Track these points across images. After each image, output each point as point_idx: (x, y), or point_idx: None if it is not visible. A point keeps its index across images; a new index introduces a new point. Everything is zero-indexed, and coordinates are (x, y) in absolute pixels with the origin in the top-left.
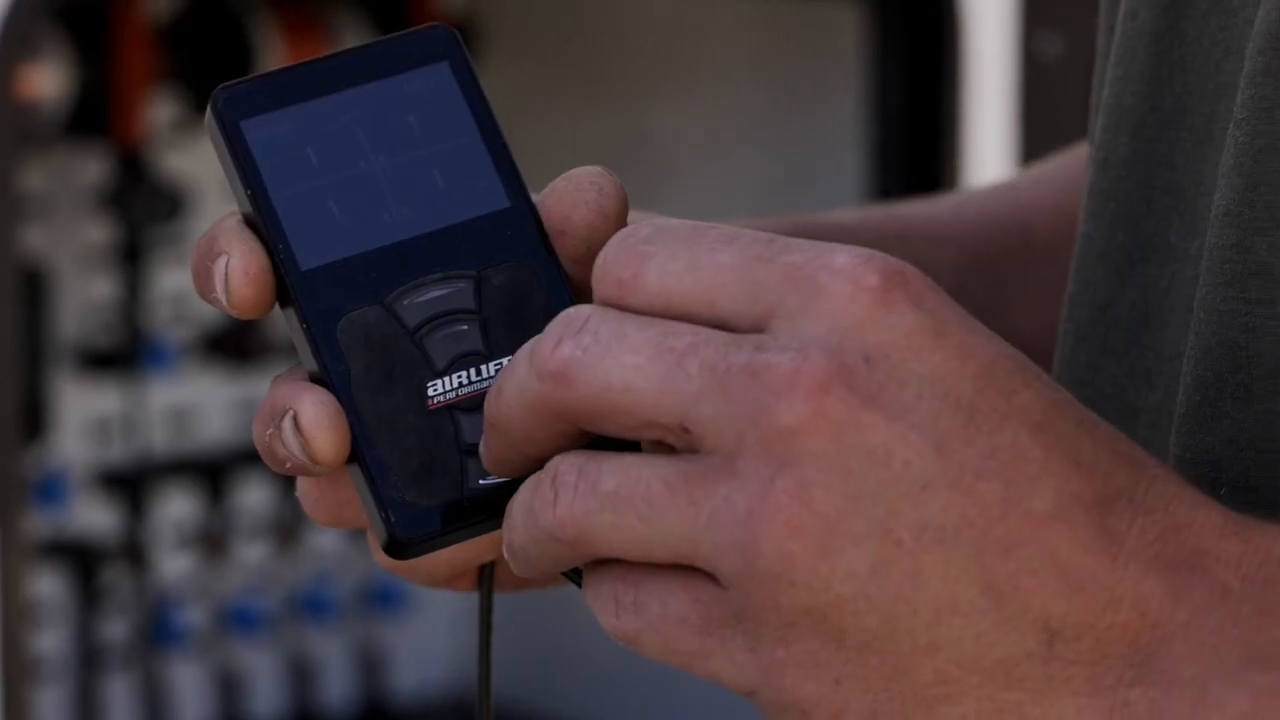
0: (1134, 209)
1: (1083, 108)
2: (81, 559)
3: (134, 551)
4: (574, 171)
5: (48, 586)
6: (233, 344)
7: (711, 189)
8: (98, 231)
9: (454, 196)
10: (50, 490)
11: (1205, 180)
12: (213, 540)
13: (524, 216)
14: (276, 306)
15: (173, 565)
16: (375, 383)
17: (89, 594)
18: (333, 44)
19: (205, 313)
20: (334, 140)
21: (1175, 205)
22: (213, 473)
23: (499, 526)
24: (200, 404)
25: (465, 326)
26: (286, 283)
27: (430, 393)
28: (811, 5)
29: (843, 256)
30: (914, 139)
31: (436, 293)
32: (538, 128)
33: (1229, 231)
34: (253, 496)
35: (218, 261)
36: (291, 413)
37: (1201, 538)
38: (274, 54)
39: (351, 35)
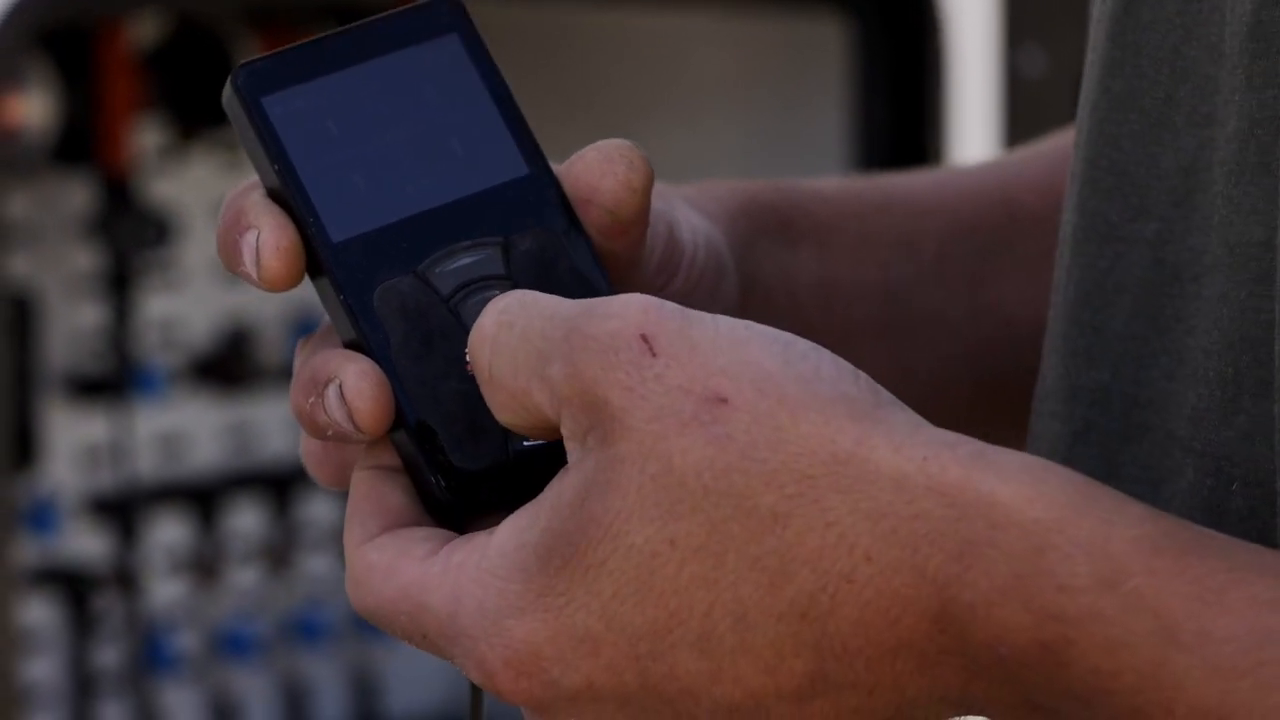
0: (1081, 189)
1: (1066, 122)
2: (73, 586)
3: (125, 578)
4: (604, 142)
5: (39, 614)
6: (222, 369)
7: None
8: (85, 258)
9: (474, 165)
10: (41, 517)
11: (1160, 165)
12: (204, 565)
13: (544, 183)
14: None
15: (164, 591)
16: (415, 350)
17: (81, 621)
18: None
19: (194, 339)
20: (354, 113)
21: (1119, 186)
22: (203, 498)
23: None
24: (190, 429)
25: (498, 291)
26: (319, 255)
27: (469, 359)
28: (795, 24)
29: (484, 648)
30: (898, 156)
31: (467, 259)
32: None
33: (1256, 229)
34: (243, 521)
35: (246, 235)
36: (336, 381)
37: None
38: None
39: None
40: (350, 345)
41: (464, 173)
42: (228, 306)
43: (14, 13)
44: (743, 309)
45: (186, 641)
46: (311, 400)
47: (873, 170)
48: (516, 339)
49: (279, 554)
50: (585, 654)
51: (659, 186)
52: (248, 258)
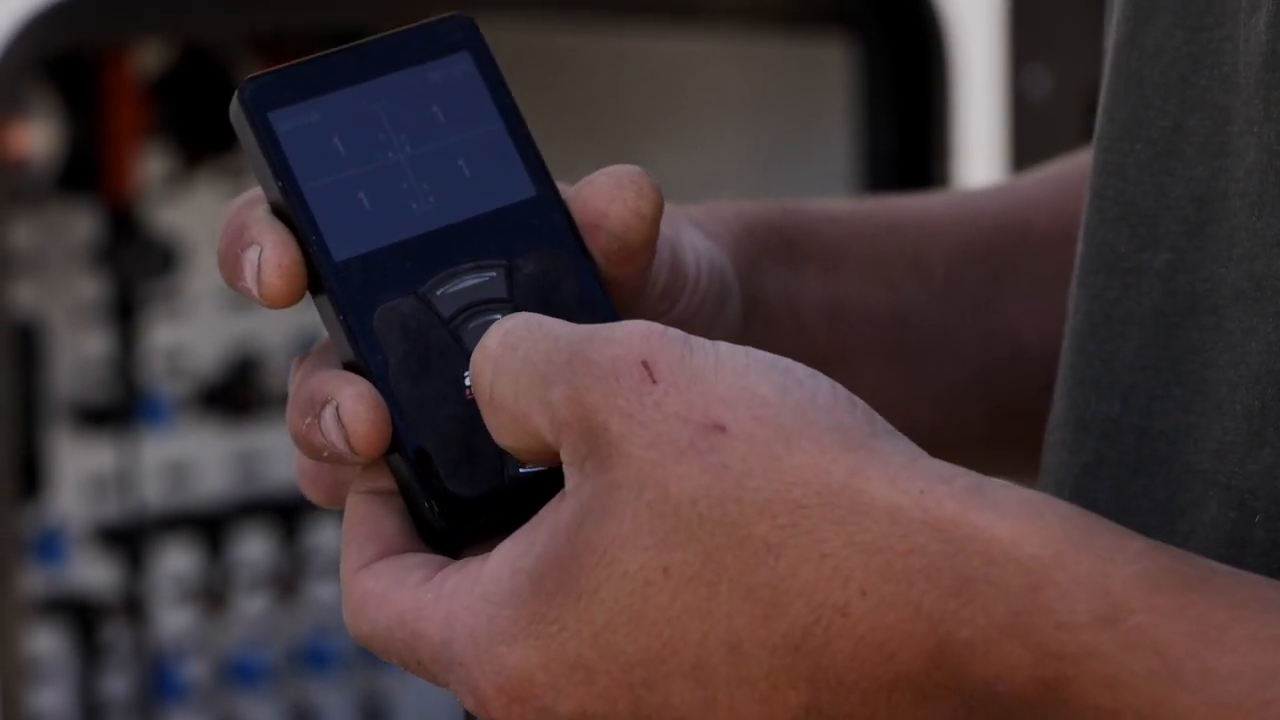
0: (1089, 219)
1: (1072, 143)
2: (81, 615)
3: (133, 606)
4: (614, 168)
5: (47, 643)
6: (228, 397)
7: None
8: (90, 287)
9: (481, 186)
10: (48, 547)
11: (1170, 194)
12: (212, 594)
13: (551, 206)
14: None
15: (173, 620)
16: (413, 372)
17: (89, 650)
18: None
19: (200, 367)
20: (361, 130)
21: (1126, 216)
22: (211, 526)
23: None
24: (197, 458)
25: (499, 315)
26: (320, 274)
27: (467, 382)
28: (800, 44)
29: (477, 675)
30: (904, 176)
31: (469, 282)
32: None
33: None
34: (252, 549)
35: (248, 251)
36: (333, 403)
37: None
38: None
39: None
40: (349, 366)
41: (470, 193)
42: (234, 334)
43: (18, 40)
44: (746, 331)
45: (195, 670)
46: (308, 421)
47: (879, 191)
48: (520, 361)
49: (287, 582)
50: (579, 681)
51: (664, 210)
52: (249, 273)
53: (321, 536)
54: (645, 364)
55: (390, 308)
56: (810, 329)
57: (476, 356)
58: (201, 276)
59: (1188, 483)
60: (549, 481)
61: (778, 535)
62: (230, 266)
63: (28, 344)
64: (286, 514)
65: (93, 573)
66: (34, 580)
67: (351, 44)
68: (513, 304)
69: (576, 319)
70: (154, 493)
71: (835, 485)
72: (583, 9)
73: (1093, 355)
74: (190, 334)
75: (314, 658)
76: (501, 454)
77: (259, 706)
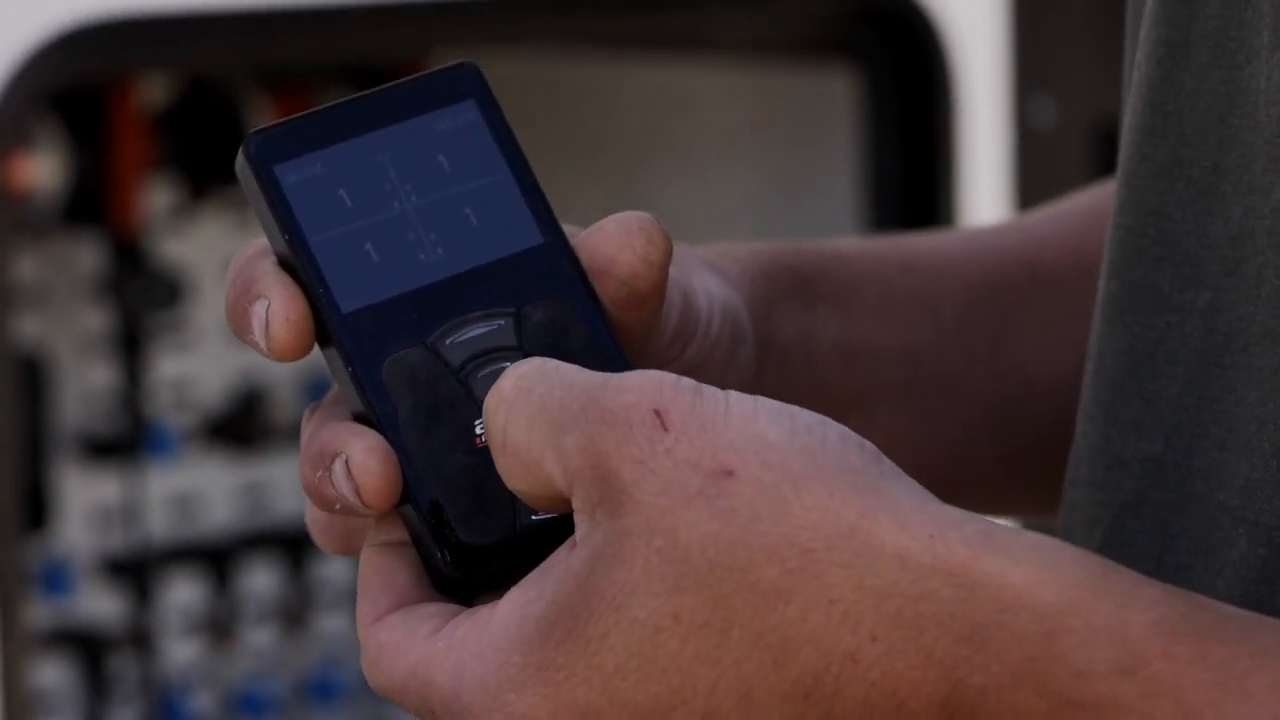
0: (1125, 258)
1: (1077, 172)
2: (88, 647)
3: (140, 638)
4: (623, 215)
5: (54, 675)
6: (234, 429)
7: None
8: (96, 319)
9: (488, 234)
10: (54, 579)
11: (1210, 234)
12: (219, 626)
13: (559, 253)
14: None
15: (180, 652)
16: (423, 423)
17: (96, 682)
18: None
19: (206, 398)
20: (367, 181)
21: (1169, 255)
22: (217, 558)
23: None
24: (203, 490)
25: (509, 364)
26: (329, 326)
27: (478, 430)
28: (805, 75)
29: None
30: (910, 206)
31: (477, 331)
32: None
33: None
34: (258, 581)
35: (256, 305)
36: (343, 456)
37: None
38: None
39: None
40: (358, 416)
41: (477, 242)
42: (240, 366)
43: (23, 73)
44: (759, 374)
45: (202, 702)
46: (319, 474)
47: (884, 221)
48: (534, 407)
49: (294, 614)
50: None
51: (676, 252)
52: (257, 328)
53: (328, 568)
54: (657, 412)
55: (399, 358)
56: (824, 370)
57: (490, 400)
58: (207, 308)
59: (1219, 520)
60: (560, 529)
61: (786, 580)
62: (238, 320)
63: (33, 376)
64: (293, 545)
65: (99, 604)
66: (40, 612)
67: (357, 95)
68: (522, 351)
69: (587, 366)
70: (160, 524)
71: (844, 529)
72: (588, 41)
73: (1132, 394)
74: (196, 366)
75: (321, 689)
76: (513, 502)
77: None
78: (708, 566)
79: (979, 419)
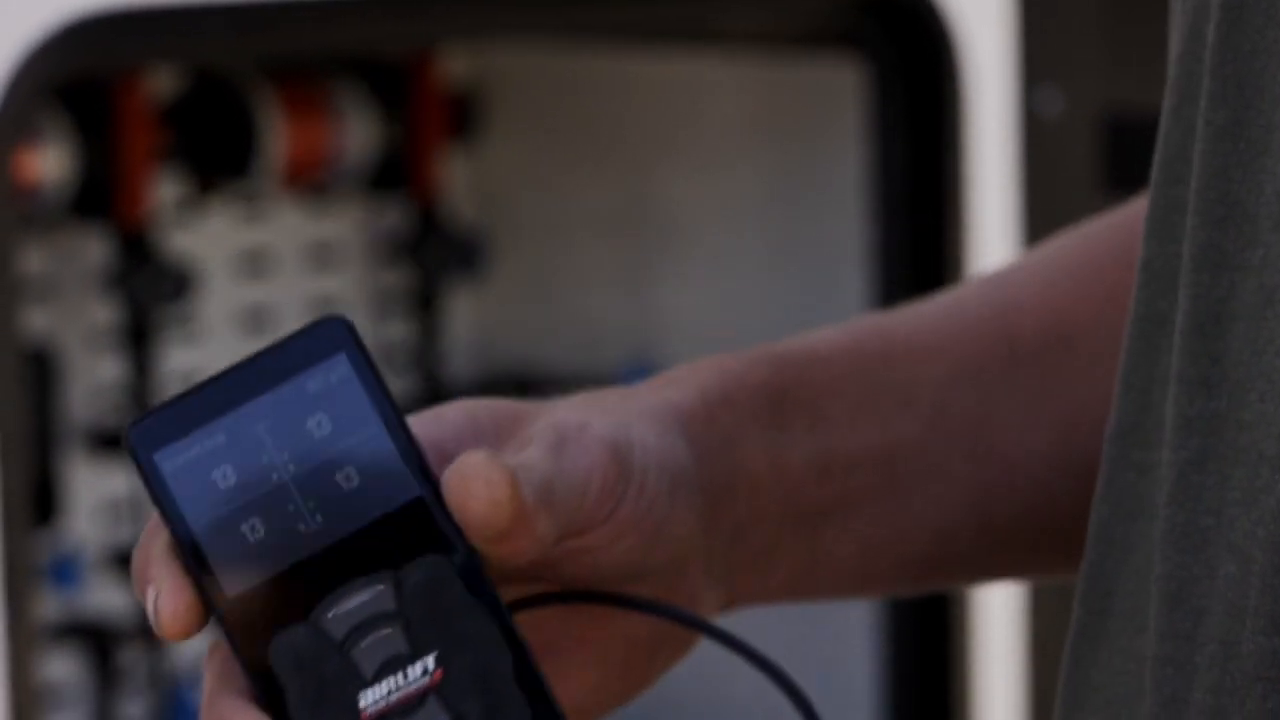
0: (1193, 220)
1: (1084, 162)
2: (97, 640)
3: (149, 632)
4: (463, 462)
5: (62, 668)
6: None
7: (716, 254)
8: (104, 312)
9: (366, 494)
10: (63, 572)
11: (1265, 191)
12: None
13: (431, 503)
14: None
15: (189, 645)
16: (311, 701)
17: (105, 675)
18: (334, 119)
19: None
20: (244, 456)
21: (1231, 215)
22: None
23: None
24: None
25: (388, 630)
26: (215, 611)
27: (362, 704)
28: (811, 68)
29: None
30: (916, 197)
31: (357, 600)
32: (541, 198)
33: None
34: None
35: (148, 591)
36: None
37: None
38: (276, 130)
39: (353, 110)
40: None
41: (354, 505)
42: None
43: (28, 65)
44: (726, 505)
45: None
46: None
47: (892, 214)
48: None
49: None
50: None
51: (615, 400)
52: (150, 614)
53: None
54: None
55: (283, 639)
56: (798, 487)
57: None
58: (215, 301)
59: (1259, 470)
60: None
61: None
62: (139, 594)
63: (42, 370)
64: None
65: (108, 598)
66: (49, 605)
67: (229, 366)
68: (401, 617)
69: (464, 622)
70: None
71: None
72: (596, 34)
73: (1199, 354)
74: (204, 358)
75: None
76: None
77: None
78: None
79: (960, 503)
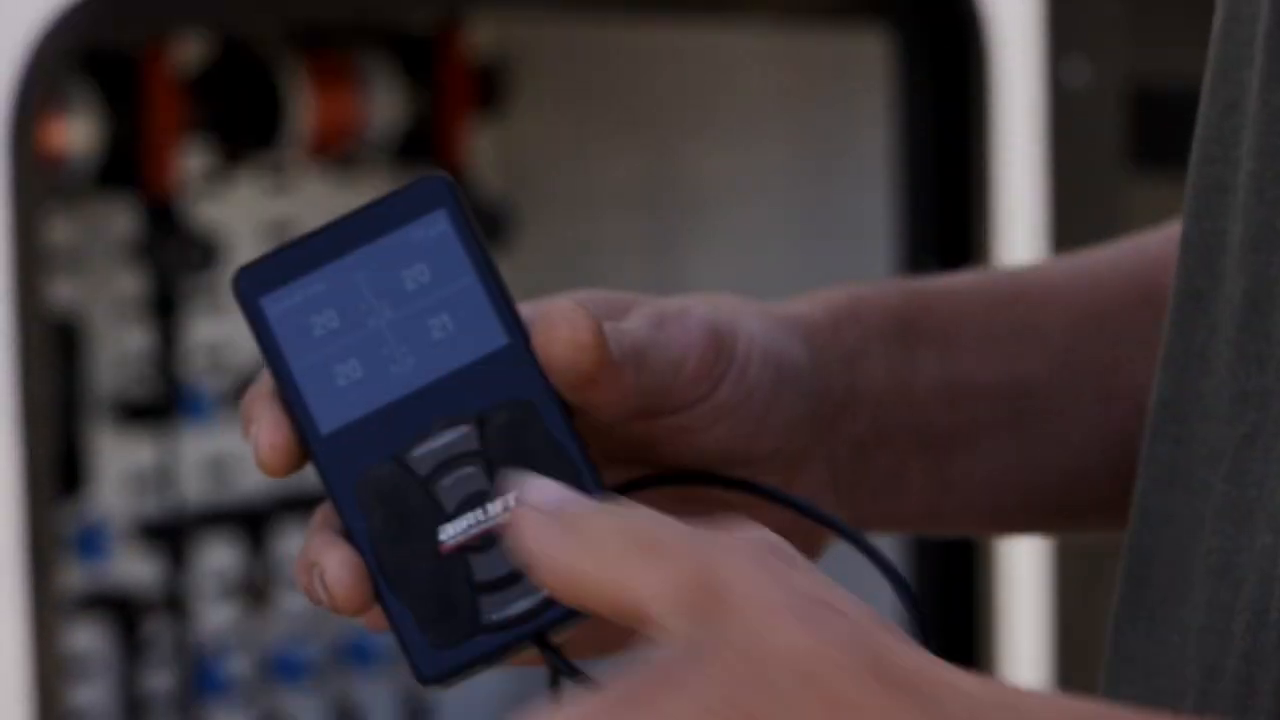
0: (1247, 200)
1: (1110, 133)
2: (123, 611)
3: (175, 602)
4: (547, 306)
5: (88, 638)
6: None
7: (744, 225)
8: (130, 283)
9: (456, 341)
10: (89, 542)
11: None
12: (254, 589)
13: (521, 352)
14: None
15: (215, 615)
16: (393, 534)
17: (131, 645)
18: (362, 89)
19: (241, 362)
20: (345, 303)
21: None
22: (253, 522)
23: (517, 653)
24: (238, 453)
25: (471, 469)
26: (309, 447)
27: (442, 536)
28: (839, 39)
29: None
30: (943, 168)
31: (443, 439)
32: (568, 170)
33: None
34: (294, 545)
35: (250, 428)
36: (319, 568)
37: None
38: (303, 101)
39: (380, 80)
40: (341, 529)
41: (445, 351)
42: None
43: (55, 35)
44: (845, 420)
45: (237, 666)
46: (304, 580)
47: (918, 184)
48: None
49: None
50: None
51: (720, 299)
52: (251, 450)
53: None
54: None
55: (370, 474)
56: (925, 411)
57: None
58: None
59: None
60: (520, 620)
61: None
62: (244, 428)
63: (68, 340)
64: None
65: (134, 568)
66: (75, 576)
67: (336, 218)
68: (484, 456)
69: (546, 462)
70: (195, 488)
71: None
72: (622, 5)
73: (1255, 330)
74: (231, 329)
75: (356, 654)
76: (474, 603)
77: (301, 702)
78: (791, 668)
79: (1092, 444)
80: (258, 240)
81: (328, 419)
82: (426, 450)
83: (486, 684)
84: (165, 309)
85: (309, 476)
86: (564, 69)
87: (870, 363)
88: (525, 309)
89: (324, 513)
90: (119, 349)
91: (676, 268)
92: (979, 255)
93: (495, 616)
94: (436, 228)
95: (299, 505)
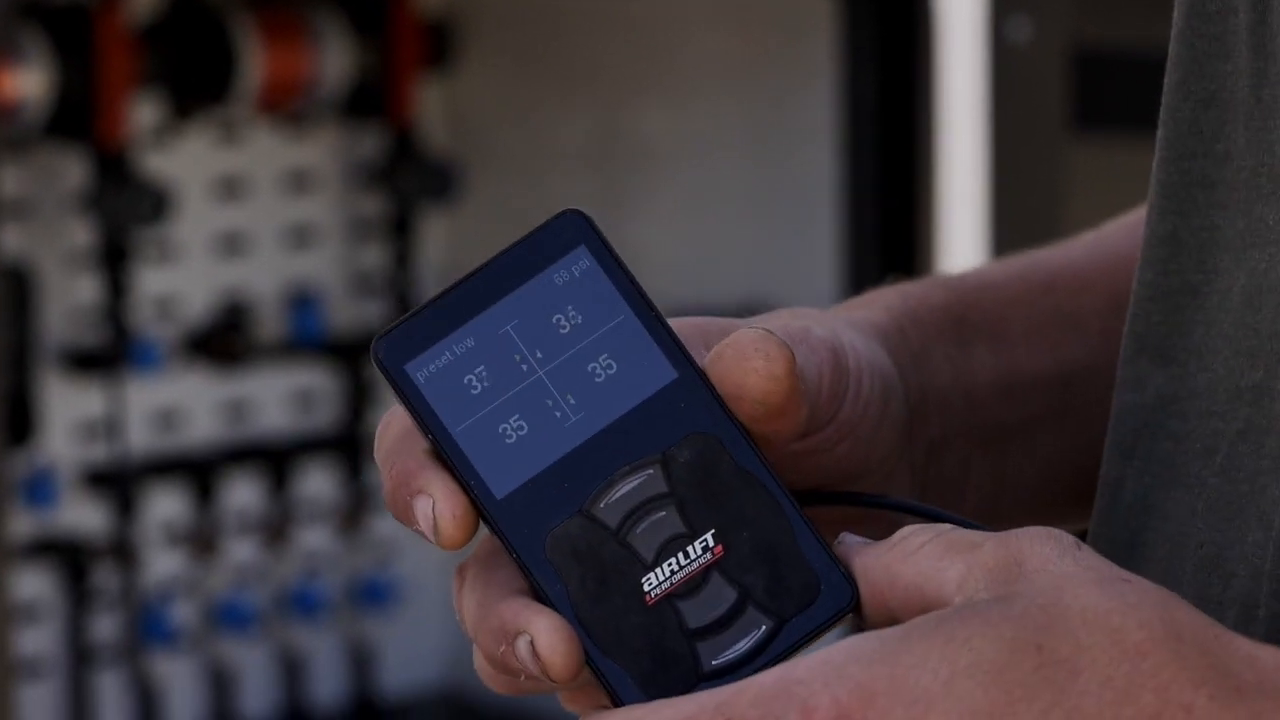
0: (1245, 196)
1: (1052, 92)
2: (71, 558)
3: (122, 550)
4: (738, 337)
5: (36, 585)
6: (218, 343)
7: (691, 185)
8: (81, 233)
9: (622, 382)
10: (37, 490)
11: None
12: (201, 538)
13: (693, 384)
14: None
15: (162, 563)
16: (593, 592)
17: (79, 593)
18: (312, 45)
19: (190, 313)
20: (496, 357)
21: (1275, 190)
22: (200, 471)
23: None
24: (186, 403)
25: (664, 513)
26: (486, 514)
27: (646, 588)
28: (785, 1)
29: (819, 688)
30: (888, 126)
31: (628, 486)
32: (516, 129)
33: None
34: (240, 495)
35: (419, 500)
36: (526, 636)
37: None
38: (254, 55)
39: (331, 36)
40: (532, 592)
41: (612, 393)
42: (224, 281)
43: None
44: (918, 422)
45: (183, 614)
46: (502, 649)
47: (861, 142)
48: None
49: (276, 527)
50: (915, 715)
51: (819, 314)
52: (424, 524)
53: (310, 483)
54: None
55: (558, 534)
56: (984, 406)
57: None
58: (192, 223)
59: None
60: (740, 668)
61: (1148, 642)
62: (400, 509)
63: (18, 289)
64: (275, 460)
65: (82, 516)
66: (24, 523)
67: (469, 272)
68: (675, 497)
69: (738, 495)
70: (143, 438)
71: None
72: None
73: (1249, 326)
74: (180, 280)
75: (302, 603)
76: (693, 651)
77: (247, 650)
78: (1080, 621)
79: None
80: (207, 193)
81: (500, 481)
82: (613, 500)
83: (429, 632)
84: (115, 259)
85: (256, 427)
86: (513, 28)
87: (933, 363)
88: (691, 331)
89: (486, 569)
90: (69, 299)
91: (624, 226)
92: (922, 211)
93: (717, 662)
94: (580, 265)
95: (246, 456)
